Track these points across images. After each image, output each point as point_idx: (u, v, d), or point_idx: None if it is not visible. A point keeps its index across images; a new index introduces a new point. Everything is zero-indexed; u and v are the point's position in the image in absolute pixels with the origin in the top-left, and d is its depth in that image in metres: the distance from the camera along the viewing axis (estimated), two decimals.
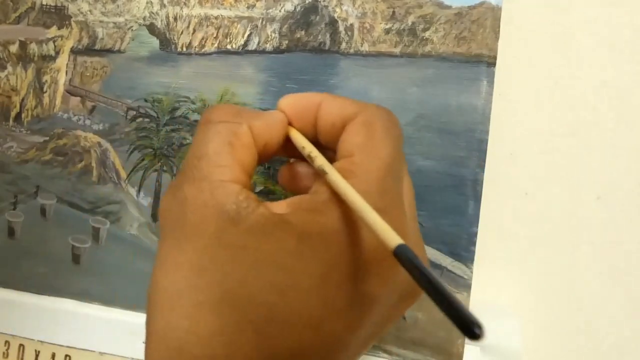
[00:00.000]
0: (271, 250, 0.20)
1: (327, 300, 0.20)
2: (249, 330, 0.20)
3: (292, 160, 0.27)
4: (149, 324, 0.22)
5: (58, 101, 0.39)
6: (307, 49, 0.36)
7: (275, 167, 0.35)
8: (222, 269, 0.20)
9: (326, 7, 0.35)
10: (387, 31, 0.35)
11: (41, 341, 0.38)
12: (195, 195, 0.21)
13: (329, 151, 0.24)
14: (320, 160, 0.23)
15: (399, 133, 0.24)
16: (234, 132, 0.23)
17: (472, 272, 0.33)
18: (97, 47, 0.38)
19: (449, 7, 0.34)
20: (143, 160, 0.37)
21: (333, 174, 0.22)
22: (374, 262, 0.21)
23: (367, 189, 0.21)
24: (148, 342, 0.22)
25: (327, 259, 0.20)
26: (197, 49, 0.37)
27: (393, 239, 0.19)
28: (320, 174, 0.23)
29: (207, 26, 0.37)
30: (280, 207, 0.21)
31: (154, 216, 0.37)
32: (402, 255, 0.18)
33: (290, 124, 0.26)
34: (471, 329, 0.15)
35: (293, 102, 0.25)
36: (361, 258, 0.21)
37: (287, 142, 0.26)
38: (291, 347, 0.20)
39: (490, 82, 0.33)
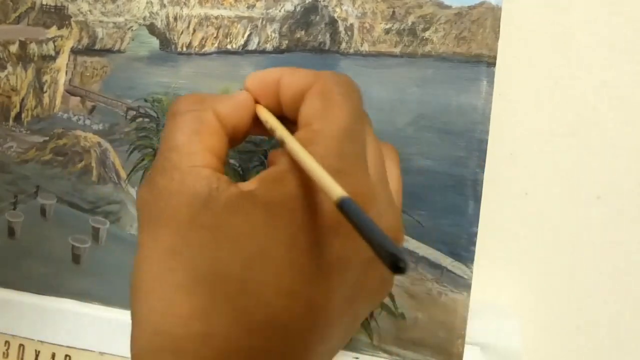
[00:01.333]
0: (240, 224, 0.21)
1: (296, 266, 0.21)
2: (226, 305, 0.21)
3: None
4: (132, 312, 0.22)
5: (58, 101, 0.39)
6: (307, 49, 0.36)
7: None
8: (195, 249, 0.21)
9: (326, 7, 0.35)
10: (387, 31, 0.35)
11: (41, 341, 0.38)
12: (167, 184, 0.22)
13: (296, 125, 0.25)
14: (280, 131, 0.24)
15: (356, 96, 0.24)
16: (200, 119, 0.24)
17: (472, 272, 0.33)
18: (97, 47, 0.38)
19: (449, 7, 0.34)
20: (143, 160, 0.37)
21: (290, 141, 0.22)
22: (336, 223, 0.21)
23: (324, 153, 0.21)
24: (132, 329, 0.22)
25: (292, 226, 0.21)
26: (197, 49, 0.37)
27: (336, 192, 0.19)
28: (282, 146, 0.23)
29: (207, 26, 0.37)
30: (249, 184, 0.22)
31: None
32: (345, 208, 0.18)
33: (257, 101, 0.26)
34: (397, 264, 0.16)
35: (257, 80, 0.26)
36: (324, 222, 0.21)
37: (259, 121, 0.26)
38: (268, 318, 0.21)
39: (490, 82, 0.33)
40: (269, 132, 0.25)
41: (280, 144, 0.23)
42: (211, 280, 0.21)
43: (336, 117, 0.23)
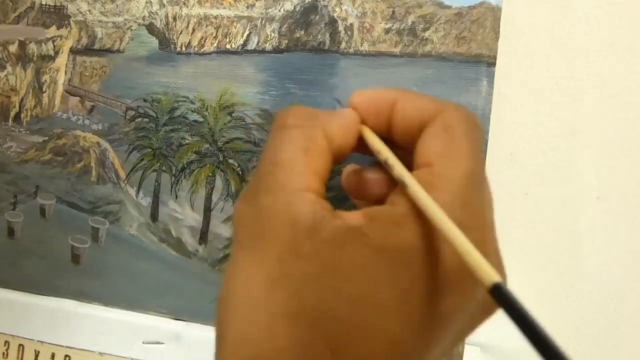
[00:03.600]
0: (348, 263, 0.20)
1: (405, 316, 0.20)
2: (324, 343, 0.20)
3: (353, 164, 0.26)
4: (221, 329, 0.21)
5: (57, 101, 0.39)
6: (307, 49, 0.36)
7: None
8: (297, 281, 0.20)
9: (326, 6, 0.35)
10: (387, 31, 0.35)
11: (41, 341, 0.38)
12: (271, 204, 0.21)
13: (403, 151, 0.23)
14: (399, 169, 0.22)
15: (480, 137, 0.22)
16: (309, 138, 0.22)
17: None
18: (96, 47, 0.38)
19: (449, 7, 0.34)
20: (142, 160, 0.37)
21: (413, 185, 0.21)
22: (455, 280, 0.20)
23: (448, 202, 0.20)
24: (220, 349, 0.21)
25: (406, 275, 0.20)
26: (196, 49, 0.37)
27: (488, 274, 0.18)
28: (397, 183, 0.22)
29: (207, 26, 0.37)
30: (355, 218, 0.21)
31: (153, 216, 0.37)
32: (498, 295, 0.18)
33: (363, 122, 0.24)
34: None
35: (367, 100, 0.24)
36: (443, 275, 0.20)
37: (361, 139, 0.24)
38: None
39: (490, 82, 0.33)
40: (369, 153, 0.24)
41: (398, 181, 0.22)
42: (312, 315, 0.20)
43: (460, 160, 0.21)
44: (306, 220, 0.20)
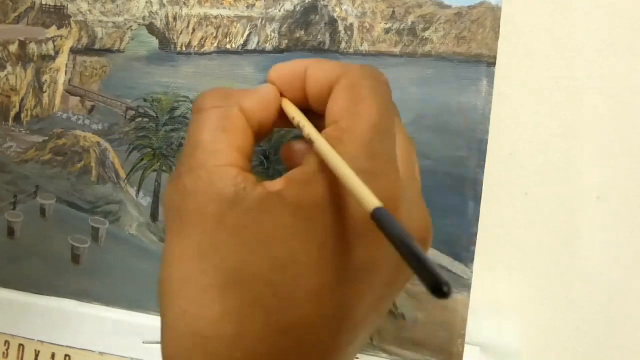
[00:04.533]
0: (269, 227, 0.21)
1: (326, 270, 0.21)
2: (256, 308, 0.21)
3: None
4: (162, 310, 0.22)
5: (57, 101, 0.39)
6: (307, 49, 0.36)
7: (275, 167, 0.35)
8: (224, 251, 0.21)
9: (326, 6, 0.35)
10: (387, 31, 0.35)
11: (41, 341, 0.38)
12: (194, 183, 0.22)
13: (323, 118, 0.24)
14: (308, 129, 0.23)
15: (385, 90, 0.24)
16: (226, 117, 0.23)
17: (472, 272, 0.33)
18: (97, 47, 0.38)
19: (449, 7, 0.34)
20: (142, 160, 0.37)
21: (319, 141, 0.22)
22: (364, 230, 0.21)
23: (354, 153, 0.21)
24: (162, 331, 0.22)
25: (321, 229, 0.21)
26: (196, 49, 0.37)
27: (370, 202, 0.19)
28: (310, 144, 0.23)
29: (207, 26, 0.37)
30: (277, 184, 0.22)
31: (154, 216, 0.37)
32: (378, 219, 0.18)
33: (282, 94, 0.25)
34: (439, 288, 0.16)
35: (282, 73, 0.25)
36: (355, 226, 0.21)
37: (283, 113, 0.25)
38: (298, 321, 0.21)
39: (490, 82, 0.33)
40: (294, 126, 0.25)
41: (307, 141, 0.23)
42: (241, 282, 0.21)
43: (365, 114, 0.22)
44: (228, 192, 0.21)
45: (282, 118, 0.25)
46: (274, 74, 0.26)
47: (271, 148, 0.35)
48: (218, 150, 0.22)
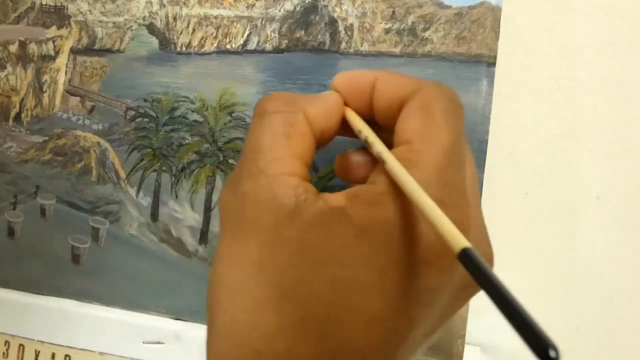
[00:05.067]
0: (330, 245, 0.20)
1: (387, 295, 0.20)
2: (310, 326, 0.20)
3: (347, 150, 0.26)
4: (210, 316, 0.22)
5: (57, 101, 0.39)
6: (307, 49, 0.36)
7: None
8: (281, 265, 0.20)
9: (326, 6, 0.35)
10: (387, 31, 0.35)
11: (41, 341, 0.38)
12: (254, 189, 0.21)
13: (388, 133, 0.23)
14: (378, 146, 0.22)
15: (459, 113, 0.23)
16: (290, 123, 0.22)
17: None
18: (97, 47, 0.38)
19: (449, 7, 0.34)
20: (142, 160, 0.37)
21: (392, 162, 0.21)
22: (435, 256, 0.20)
23: (426, 179, 0.20)
24: (210, 336, 0.22)
25: (386, 253, 0.20)
26: (196, 49, 0.37)
27: (457, 241, 0.18)
28: (377, 161, 0.22)
29: (207, 26, 0.37)
30: (338, 199, 0.21)
31: (153, 216, 0.37)
32: (467, 260, 0.17)
33: (345, 103, 0.24)
34: (545, 351, 0.14)
35: (348, 81, 0.25)
36: (421, 252, 0.20)
37: (344, 121, 0.25)
38: (351, 344, 0.20)
39: (490, 82, 0.33)
40: (355, 136, 0.24)
41: (377, 159, 0.22)
42: (298, 298, 0.20)
43: (439, 137, 0.21)
44: (289, 203, 0.20)
45: (345, 128, 0.25)
46: (340, 81, 0.25)
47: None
48: (280, 157, 0.22)
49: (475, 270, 0.17)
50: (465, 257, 0.18)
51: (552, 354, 0.14)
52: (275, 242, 0.20)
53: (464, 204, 0.21)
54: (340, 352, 0.20)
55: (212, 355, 0.21)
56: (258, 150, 0.22)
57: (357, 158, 0.25)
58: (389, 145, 0.22)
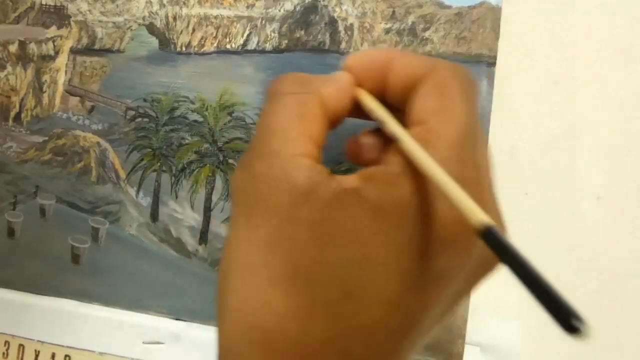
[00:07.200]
0: (344, 225, 0.20)
1: (402, 275, 0.20)
2: (323, 307, 0.20)
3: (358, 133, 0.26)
4: (221, 298, 0.21)
5: (57, 101, 0.39)
6: (307, 49, 0.36)
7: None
8: (295, 245, 0.20)
9: (326, 6, 0.35)
10: (387, 31, 0.35)
11: (41, 341, 0.38)
12: (266, 170, 0.21)
13: (401, 113, 0.23)
14: (392, 126, 0.22)
15: (475, 92, 0.22)
16: (303, 104, 0.22)
17: None
18: (97, 46, 0.38)
19: (449, 7, 0.34)
20: (142, 160, 0.37)
21: (408, 141, 0.20)
22: (451, 236, 0.20)
23: (445, 157, 0.20)
24: (221, 316, 0.21)
25: (402, 233, 0.20)
26: (196, 49, 0.37)
27: (479, 218, 0.18)
28: (392, 140, 0.22)
29: (207, 26, 0.37)
30: (351, 180, 0.21)
31: (153, 216, 0.37)
32: (490, 238, 0.17)
33: (358, 84, 0.24)
34: (569, 321, 0.14)
35: (361, 61, 0.24)
36: (438, 232, 0.20)
37: (356, 103, 0.24)
38: (365, 324, 0.20)
39: (490, 82, 0.33)
40: (366, 117, 0.24)
41: (392, 139, 0.22)
42: (310, 279, 0.20)
43: (455, 116, 0.21)
44: (302, 184, 0.20)
45: (357, 110, 0.24)
46: (353, 61, 0.24)
47: None
48: (293, 138, 0.21)
49: (499, 248, 0.17)
50: (488, 234, 0.17)
51: (576, 323, 0.14)
52: (289, 222, 0.20)
53: (483, 181, 0.21)
54: (354, 333, 0.20)
55: (223, 338, 0.21)
56: (271, 131, 0.22)
57: (368, 140, 0.24)
58: (403, 126, 0.22)
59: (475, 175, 0.21)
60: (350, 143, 0.25)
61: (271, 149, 0.21)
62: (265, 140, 0.22)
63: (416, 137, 0.21)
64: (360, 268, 0.20)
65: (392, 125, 0.22)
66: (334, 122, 0.24)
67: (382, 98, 0.24)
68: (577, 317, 0.14)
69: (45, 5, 0.39)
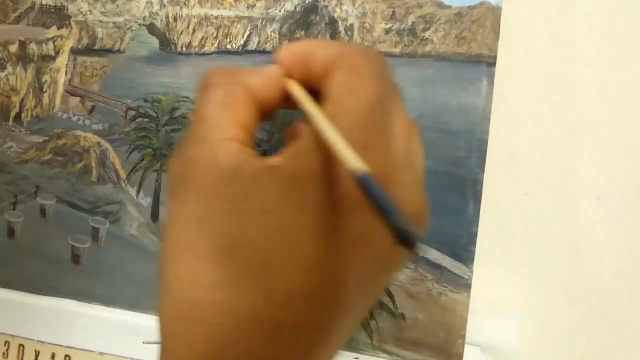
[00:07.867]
0: (262, 197, 0.21)
1: (318, 240, 0.21)
2: (249, 277, 0.21)
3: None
4: (160, 277, 0.23)
5: (58, 101, 0.39)
6: None
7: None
8: (220, 219, 0.22)
9: (326, 7, 0.35)
10: (387, 31, 0.35)
11: (41, 341, 0.38)
12: (196, 154, 0.23)
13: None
14: (305, 105, 0.24)
15: (385, 69, 0.24)
16: (230, 93, 0.24)
17: (472, 272, 0.33)
18: (97, 47, 0.38)
19: (449, 7, 0.34)
20: (142, 160, 0.37)
21: (314, 115, 0.22)
22: (360, 200, 0.21)
23: (349, 126, 0.21)
24: (159, 295, 0.23)
25: (314, 200, 0.21)
26: (196, 49, 0.37)
27: (357, 167, 0.19)
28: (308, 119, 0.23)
29: (207, 26, 0.37)
30: (276, 158, 0.22)
31: (154, 216, 0.37)
32: (364, 185, 0.19)
33: (291, 75, 0.26)
34: (405, 238, 0.17)
35: (290, 54, 0.26)
36: (348, 198, 0.21)
37: (288, 94, 0.26)
38: (290, 291, 0.21)
39: (490, 82, 0.33)
40: (298, 107, 0.25)
41: (306, 117, 0.23)
42: (235, 251, 0.21)
43: (363, 90, 0.22)
44: (228, 165, 0.22)
45: (290, 100, 0.26)
46: (281, 54, 0.26)
47: (270, 148, 0.35)
48: (221, 124, 0.23)
49: (369, 193, 0.19)
50: (361, 181, 0.19)
51: (409, 238, 0.17)
52: (216, 199, 0.22)
53: (388, 150, 0.22)
54: (281, 302, 0.21)
55: (160, 313, 0.22)
56: (202, 119, 0.24)
57: (302, 126, 0.26)
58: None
59: (382, 142, 0.22)
60: (289, 131, 0.26)
61: (201, 135, 0.23)
62: (196, 128, 0.24)
63: (327, 111, 0.22)
64: (279, 235, 0.21)
65: (305, 104, 0.24)
66: (266, 111, 0.25)
67: (314, 88, 0.25)
68: (412, 234, 0.17)
69: (46, 5, 0.39)
